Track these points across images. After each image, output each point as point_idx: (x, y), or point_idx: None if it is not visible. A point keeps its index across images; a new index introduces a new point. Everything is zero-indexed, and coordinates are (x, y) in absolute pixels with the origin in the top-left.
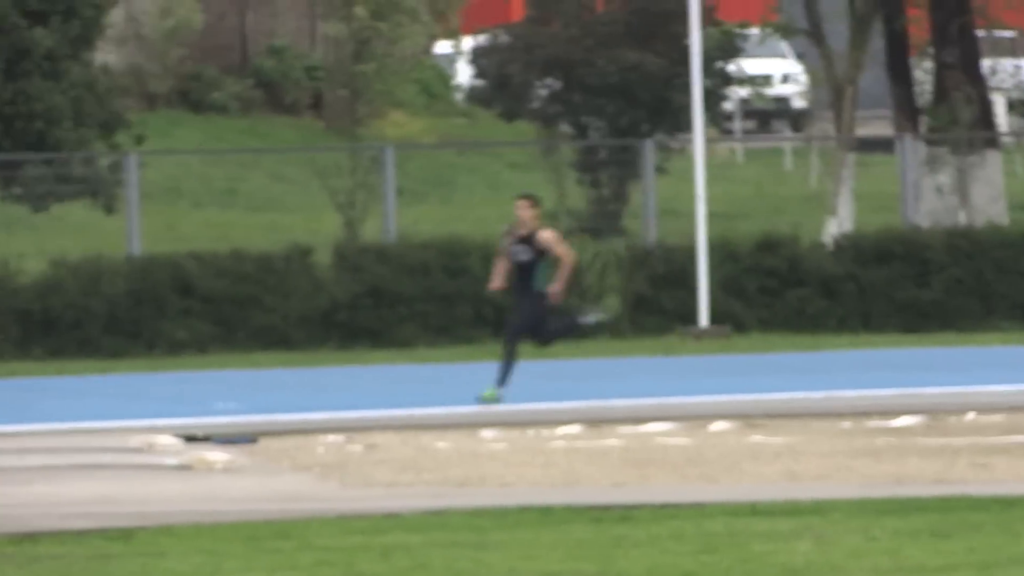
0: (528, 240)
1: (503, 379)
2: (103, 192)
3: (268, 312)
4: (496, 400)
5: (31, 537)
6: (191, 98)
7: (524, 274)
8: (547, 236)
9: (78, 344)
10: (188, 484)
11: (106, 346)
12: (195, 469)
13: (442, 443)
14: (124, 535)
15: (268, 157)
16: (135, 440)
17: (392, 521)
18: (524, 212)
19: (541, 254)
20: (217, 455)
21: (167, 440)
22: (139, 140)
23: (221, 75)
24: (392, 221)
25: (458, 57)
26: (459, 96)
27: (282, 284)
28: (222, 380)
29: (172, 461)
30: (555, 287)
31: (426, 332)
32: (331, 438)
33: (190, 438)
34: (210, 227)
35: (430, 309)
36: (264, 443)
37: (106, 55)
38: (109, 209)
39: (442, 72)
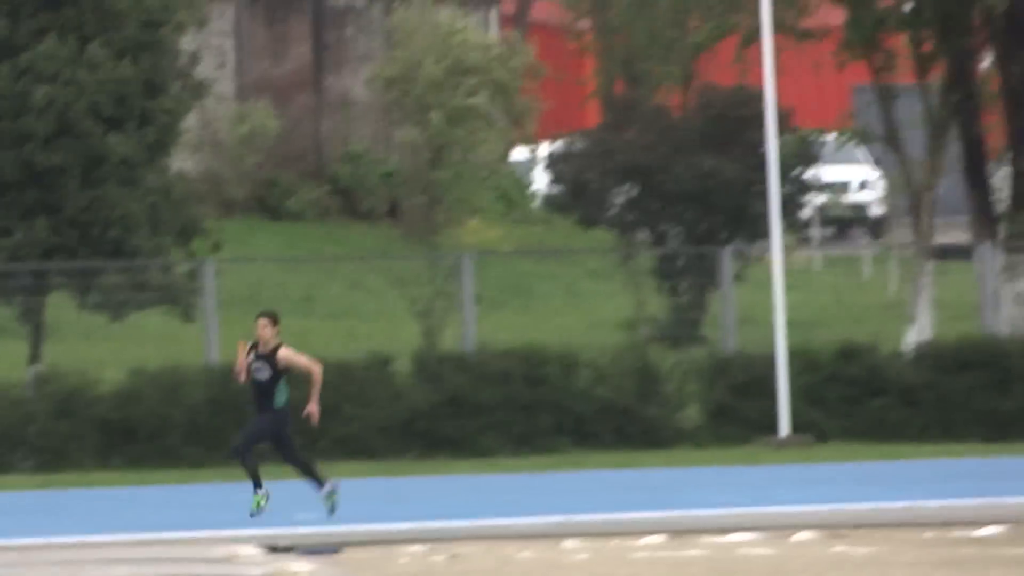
0: (268, 358)
1: (256, 483)
2: (180, 300)
3: (348, 421)
4: (260, 508)
5: None
6: (267, 204)
7: (265, 392)
8: (284, 354)
9: (159, 454)
10: None
11: (187, 456)
12: None
13: (525, 553)
14: None
15: (346, 264)
16: (218, 551)
17: None
18: (264, 331)
19: (281, 373)
20: (300, 566)
21: (250, 551)
22: (216, 247)
23: (297, 181)
24: (471, 329)
25: (535, 163)
26: (536, 203)
27: (362, 393)
28: (304, 490)
29: (255, 572)
30: (311, 407)
31: (507, 441)
32: (414, 548)
33: (273, 548)
34: (288, 335)
35: (511, 418)
36: (347, 553)
37: (182, 161)
38: (187, 317)
39: (519, 179)
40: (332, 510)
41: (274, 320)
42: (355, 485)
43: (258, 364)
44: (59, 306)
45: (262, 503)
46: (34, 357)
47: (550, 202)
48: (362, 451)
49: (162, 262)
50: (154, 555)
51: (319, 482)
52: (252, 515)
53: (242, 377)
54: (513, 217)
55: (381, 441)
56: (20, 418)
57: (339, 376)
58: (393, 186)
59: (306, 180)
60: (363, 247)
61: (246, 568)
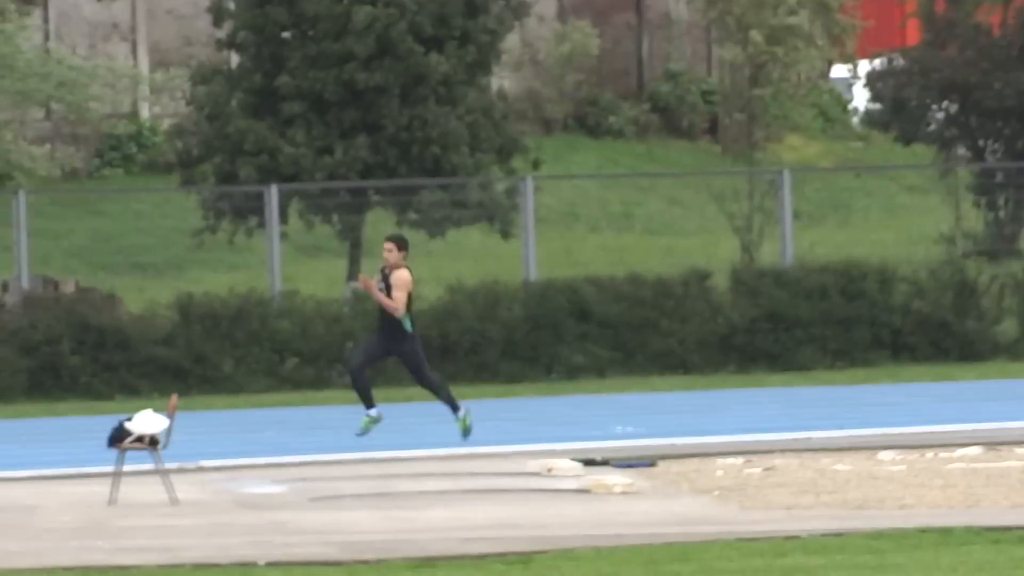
0: (388, 280)
1: (454, 406)
2: (499, 217)
3: (666, 336)
4: (468, 425)
5: (430, 562)
6: (587, 123)
7: (390, 315)
8: (398, 274)
9: (475, 369)
10: (587, 508)
11: (504, 371)
12: (594, 493)
13: (841, 465)
14: (523, 559)
15: (664, 181)
16: (533, 464)
17: (792, 543)
18: (389, 254)
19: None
20: (616, 478)
21: (566, 464)
22: (536, 165)
23: (617, 100)
24: (789, 245)
25: (854, 81)
26: (855, 120)
27: (680, 308)
28: (620, 404)
29: (571, 485)
30: (368, 279)
31: (824, 355)
32: (730, 461)
33: (589, 462)
34: (607, 251)
35: (828, 332)
36: (663, 466)
37: (502, 80)
38: (505, 234)
39: (838, 96)
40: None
41: (400, 245)
42: (672, 399)
43: (382, 286)
44: (378, 223)
45: (467, 422)
46: (352, 274)
47: (869, 119)
48: (679, 365)
49: (481, 179)
50: (470, 469)
51: (370, 405)
52: (464, 436)
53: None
54: (832, 134)
55: (698, 355)
56: (338, 335)
57: (657, 291)
58: (713, 104)
59: (626, 98)
60: (682, 164)
61: (562, 481)
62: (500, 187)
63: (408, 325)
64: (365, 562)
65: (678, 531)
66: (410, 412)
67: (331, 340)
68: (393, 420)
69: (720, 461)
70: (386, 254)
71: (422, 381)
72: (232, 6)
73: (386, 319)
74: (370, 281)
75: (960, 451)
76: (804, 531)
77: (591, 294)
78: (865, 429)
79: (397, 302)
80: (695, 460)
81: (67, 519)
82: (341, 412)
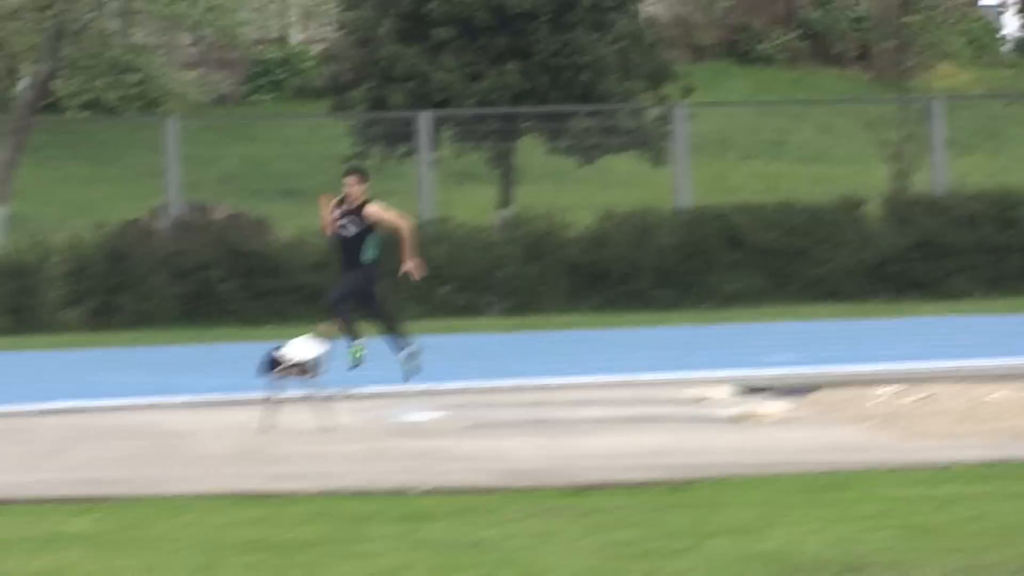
0: (355, 213)
1: (354, 337)
2: (651, 144)
3: (818, 264)
4: (359, 358)
5: (585, 490)
6: (738, 49)
7: (351, 248)
8: (372, 210)
9: (627, 297)
10: (743, 436)
11: (657, 299)
12: (749, 420)
13: (997, 394)
14: (679, 487)
15: (816, 108)
16: (689, 392)
17: (949, 472)
18: (353, 189)
19: (370, 229)
20: (771, 407)
21: (721, 392)
22: (686, 92)
23: (768, 26)
24: (942, 173)
25: (1004, 8)
26: (1007, 47)
27: (832, 236)
28: (774, 332)
29: (726, 413)
30: (409, 263)
31: (977, 283)
32: (885, 389)
33: (744, 390)
34: (758, 179)
35: (981, 261)
36: (818, 394)
37: (652, 7)
38: (657, 161)
39: (989, 23)
40: (411, 374)
41: (363, 177)
42: (826, 327)
43: (344, 220)
44: (529, 150)
45: (358, 355)
46: (504, 201)
47: (1019, 46)
48: (832, 293)
49: (633, 106)
50: (624, 397)
51: (401, 343)
52: (350, 369)
53: (328, 232)
54: (983, 61)
55: (851, 283)
56: (490, 262)
57: (810, 219)
58: (864, 30)
59: (777, 25)
60: (833, 91)
61: (717, 409)
62: (651, 114)
63: (370, 256)
64: (520, 489)
65: (835, 459)
66: (565, 339)
67: (483, 267)
68: (548, 347)
69: (876, 390)
70: (348, 188)
71: (327, 300)
72: None
73: (349, 254)
74: (413, 266)
75: None
76: (961, 459)
77: (743, 222)
78: (1021, 358)
79: (401, 222)
80: (851, 388)
81: (221, 446)
82: (494, 339)
